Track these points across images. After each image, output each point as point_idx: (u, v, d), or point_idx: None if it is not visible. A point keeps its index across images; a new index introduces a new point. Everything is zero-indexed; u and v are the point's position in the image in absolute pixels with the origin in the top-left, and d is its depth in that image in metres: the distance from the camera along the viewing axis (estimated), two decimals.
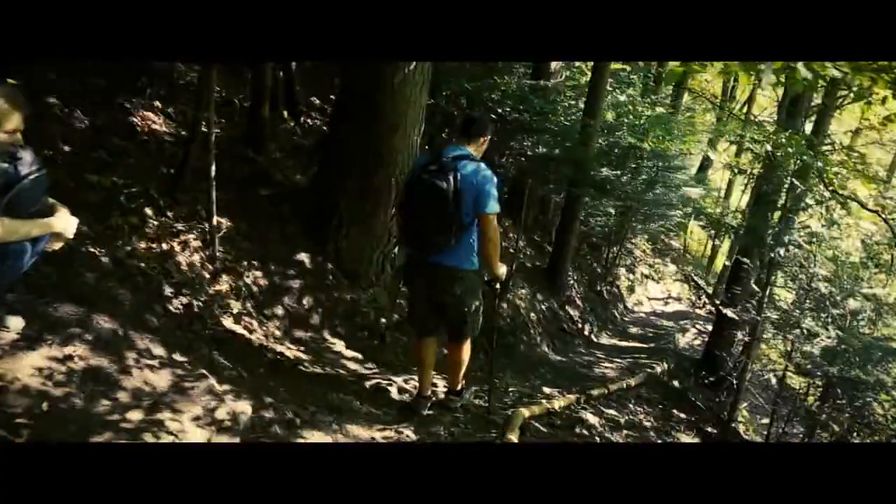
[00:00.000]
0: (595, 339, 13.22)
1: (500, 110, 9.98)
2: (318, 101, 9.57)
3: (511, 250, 11.52)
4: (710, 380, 13.91)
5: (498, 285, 4.16)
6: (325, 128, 8.41)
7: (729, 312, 11.43)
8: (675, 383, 12.27)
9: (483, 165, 3.83)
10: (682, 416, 8.85)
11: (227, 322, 4.59)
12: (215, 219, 4.93)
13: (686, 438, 7.83)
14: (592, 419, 6.36)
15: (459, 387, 4.55)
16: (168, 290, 4.37)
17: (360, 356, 5.33)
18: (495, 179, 3.83)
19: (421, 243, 3.91)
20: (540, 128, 10.19)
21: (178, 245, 4.78)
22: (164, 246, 4.68)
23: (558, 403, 5.92)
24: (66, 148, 4.83)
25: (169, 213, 4.99)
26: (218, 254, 4.98)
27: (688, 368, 13.89)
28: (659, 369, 11.93)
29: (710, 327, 20.03)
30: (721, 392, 13.59)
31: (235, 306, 4.75)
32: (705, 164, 23.20)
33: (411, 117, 5.87)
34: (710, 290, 23.64)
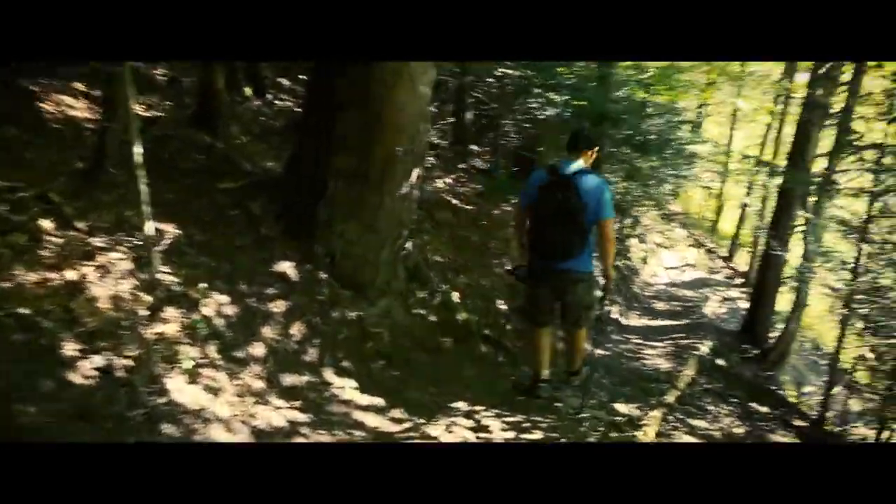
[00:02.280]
0: (625, 322, 11.73)
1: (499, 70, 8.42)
2: (287, 83, 7.97)
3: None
4: (755, 352, 12.57)
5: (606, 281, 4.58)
6: (298, 109, 6.83)
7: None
8: (721, 362, 10.86)
9: (598, 177, 4.35)
10: (763, 409, 7.36)
11: (177, 383, 2.97)
12: (151, 226, 3.32)
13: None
14: (685, 437, 4.96)
15: (576, 368, 4.89)
16: (72, 349, 2.75)
17: (381, 401, 3.75)
18: (609, 187, 4.37)
19: (550, 252, 4.27)
20: (549, 83, 8.62)
21: (94, 271, 3.17)
22: (70, 275, 3.06)
23: (651, 431, 4.48)
24: None
25: (79, 225, 3.38)
26: (159, 277, 3.37)
27: (730, 343, 12.46)
28: (704, 349, 10.47)
29: (731, 293, 18.74)
30: (768, 365, 12.24)
31: (188, 355, 3.14)
32: (699, 119, 21.99)
33: (414, 63, 4.28)
34: (724, 253, 22.32)
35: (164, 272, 3.45)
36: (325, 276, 4.32)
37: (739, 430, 6.01)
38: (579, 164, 4.27)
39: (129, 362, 2.83)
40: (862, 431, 9.25)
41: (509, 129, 10.26)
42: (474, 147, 11.19)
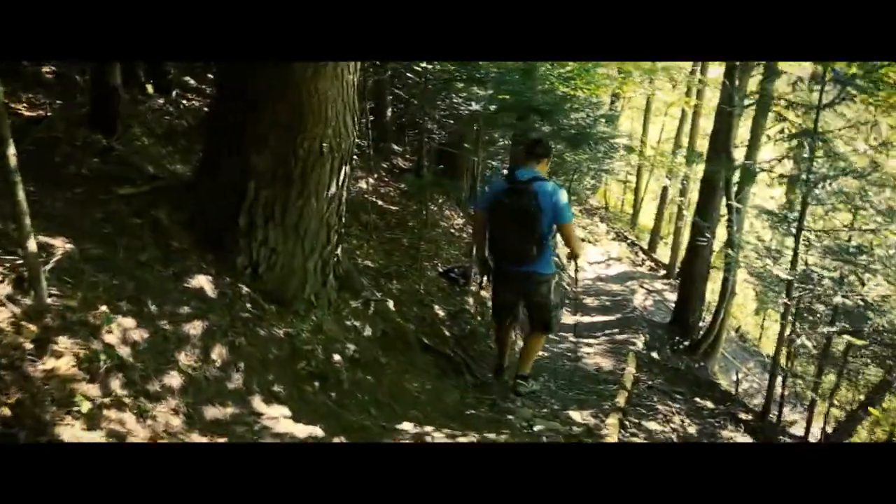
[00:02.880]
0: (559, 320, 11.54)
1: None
2: (193, 82, 7.38)
3: (452, 230, 9.62)
4: (685, 344, 12.60)
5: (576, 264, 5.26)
6: (207, 109, 6.27)
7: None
8: (655, 355, 10.81)
9: (554, 183, 4.60)
10: (709, 404, 7.22)
11: (72, 430, 2.44)
12: (32, 243, 2.77)
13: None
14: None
15: (526, 372, 5.03)
16: None
17: (318, 430, 3.28)
18: (566, 192, 4.57)
19: (510, 256, 4.55)
20: (471, 77, 8.30)
21: None
22: None
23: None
24: None
25: None
26: (48, 302, 2.83)
27: (661, 336, 12.47)
28: (640, 344, 10.40)
29: (656, 285, 18.92)
30: (700, 356, 12.28)
31: (86, 395, 2.61)
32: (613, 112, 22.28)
33: None
34: (645, 245, 22.58)
35: (55, 295, 2.90)
36: (247, 290, 3.83)
37: (692, 430, 5.81)
38: (536, 171, 4.55)
39: (8, 411, 2.29)
40: (796, 418, 9.32)
41: (432, 125, 9.91)
42: (396, 147, 10.79)
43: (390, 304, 5.05)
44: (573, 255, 4.95)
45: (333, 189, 4.07)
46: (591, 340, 10.29)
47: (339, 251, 4.41)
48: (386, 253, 6.57)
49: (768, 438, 6.62)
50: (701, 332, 12.76)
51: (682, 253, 20.38)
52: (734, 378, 15.08)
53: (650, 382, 7.46)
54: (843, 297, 6.69)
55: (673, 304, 17.85)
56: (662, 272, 20.17)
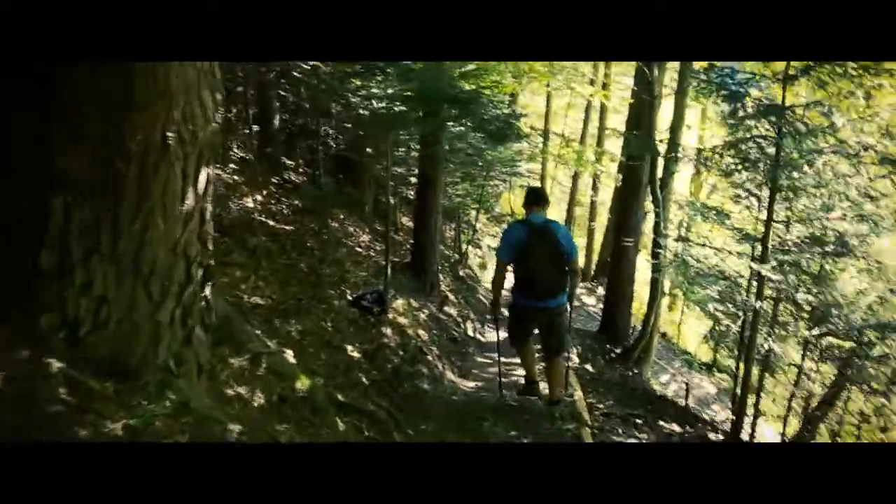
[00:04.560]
0: (483, 339, 10.43)
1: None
2: None
3: (359, 249, 8.34)
4: (616, 352, 11.79)
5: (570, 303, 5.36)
6: None
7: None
8: (589, 367, 9.89)
9: (561, 223, 5.40)
10: (676, 428, 6.24)
11: None
12: None
13: None
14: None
15: (557, 398, 5.38)
16: None
17: None
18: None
19: (544, 293, 4.98)
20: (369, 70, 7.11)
21: None
22: None
23: None
24: None
25: None
26: None
27: (591, 345, 11.58)
28: (574, 358, 9.42)
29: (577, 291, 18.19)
30: (632, 363, 11.50)
31: None
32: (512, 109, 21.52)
33: None
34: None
35: None
36: (60, 365, 2.46)
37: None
38: (544, 215, 5.10)
39: None
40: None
41: (328, 130, 8.61)
42: (287, 160, 9.41)
43: (288, 354, 3.75)
44: (574, 287, 5.25)
45: (190, 200, 2.76)
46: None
47: (207, 291, 3.07)
48: (280, 284, 5.26)
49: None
50: (632, 339, 11.99)
51: (596, 255, 19.80)
52: (665, 380, 14.47)
53: (605, 410, 6.44)
54: (815, 294, 5.87)
55: (594, 309, 17.19)
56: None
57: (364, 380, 4.61)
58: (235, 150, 7.48)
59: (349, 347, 4.89)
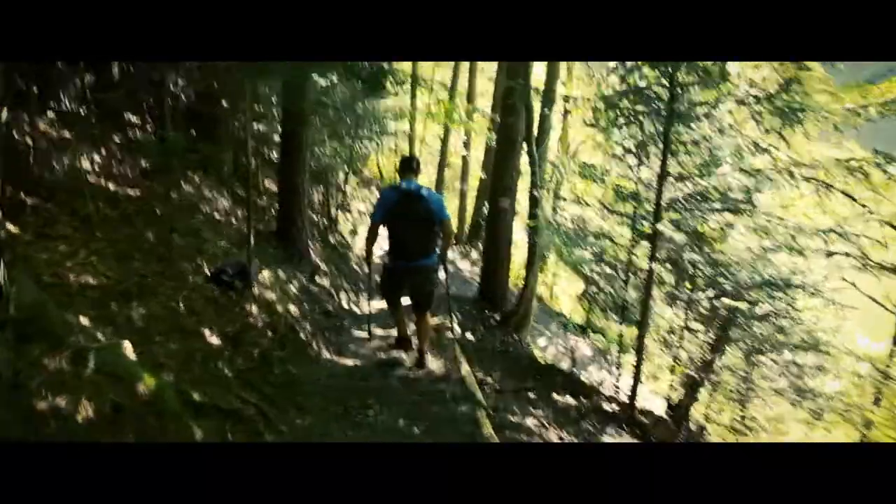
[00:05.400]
0: (358, 310, 9.77)
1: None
2: None
3: (217, 215, 7.44)
4: (496, 318, 11.45)
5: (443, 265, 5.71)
6: None
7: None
8: (470, 336, 9.49)
9: (432, 188, 6.07)
10: (570, 400, 5.87)
11: None
12: None
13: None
14: None
15: (424, 350, 5.84)
16: None
17: None
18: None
19: (408, 254, 5.32)
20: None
21: None
22: None
23: None
24: None
25: None
26: None
27: (470, 311, 11.17)
28: (457, 328, 8.93)
29: (448, 253, 17.79)
30: (513, 329, 11.21)
31: None
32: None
33: None
34: None
35: None
36: None
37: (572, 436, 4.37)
38: (416, 181, 5.32)
39: None
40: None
41: (178, 80, 7.56)
42: (133, 116, 8.25)
43: (126, 347, 2.96)
44: (445, 248, 5.55)
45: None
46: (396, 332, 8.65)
47: (1, 271, 2.27)
48: (119, 259, 4.37)
49: (647, 434, 5.42)
50: (511, 303, 11.69)
51: (469, 217, 19.48)
52: (543, 344, 14.40)
53: (495, 384, 5.99)
54: (701, 253, 5.64)
55: (468, 273, 16.86)
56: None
57: (226, 371, 3.86)
58: (62, 100, 6.33)
59: (207, 332, 4.10)
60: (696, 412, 8.22)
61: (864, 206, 5.95)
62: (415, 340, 5.96)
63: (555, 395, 5.82)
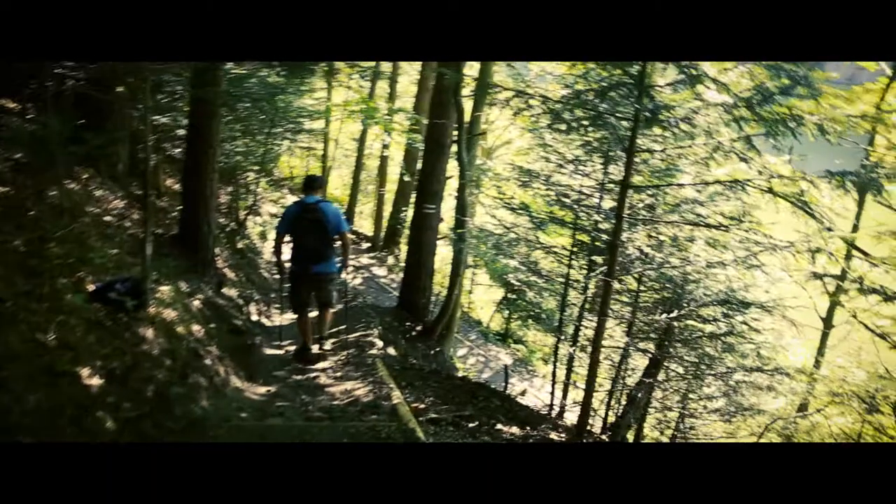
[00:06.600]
0: (270, 322, 8.90)
1: None
2: None
3: (108, 218, 6.44)
4: (417, 329, 10.79)
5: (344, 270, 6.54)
6: None
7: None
8: (391, 350, 8.81)
9: (332, 203, 6.38)
10: (516, 430, 5.23)
11: None
12: None
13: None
14: None
15: (325, 334, 6.85)
16: None
17: None
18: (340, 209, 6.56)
19: (308, 261, 6.12)
20: None
21: None
22: None
23: None
24: None
25: None
26: None
27: (391, 323, 10.46)
28: (379, 342, 8.25)
29: (363, 259, 16.95)
30: (435, 340, 10.61)
31: None
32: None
33: None
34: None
35: None
36: None
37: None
38: (318, 196, 6.21)
39: None
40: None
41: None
42: (11, 102, 7.12)
43: None
44: (345, 256, 6.40)
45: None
46: (324, 349, 7.84)
47: None
48: None
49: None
50: (433, 314, 11.06)
51: (385, 222, 18.69)
52: (461, 354, 13.82)
53: (431, 411, 5.29)
54: (656, 267, 5.14)
55: (384, 280, 16.11)
56: (366, 245, 18.32)
57: (109, 422, 3.03)
58: None
59: (85, 371, 3.25)
60: (634, 430, 7.81)
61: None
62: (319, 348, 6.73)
63: (498, 425, 5.18)
